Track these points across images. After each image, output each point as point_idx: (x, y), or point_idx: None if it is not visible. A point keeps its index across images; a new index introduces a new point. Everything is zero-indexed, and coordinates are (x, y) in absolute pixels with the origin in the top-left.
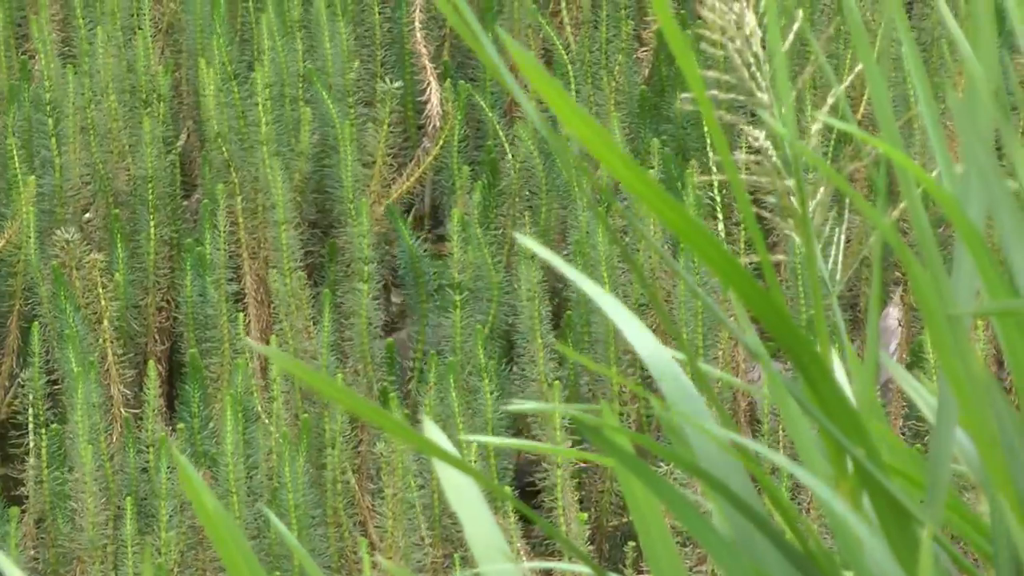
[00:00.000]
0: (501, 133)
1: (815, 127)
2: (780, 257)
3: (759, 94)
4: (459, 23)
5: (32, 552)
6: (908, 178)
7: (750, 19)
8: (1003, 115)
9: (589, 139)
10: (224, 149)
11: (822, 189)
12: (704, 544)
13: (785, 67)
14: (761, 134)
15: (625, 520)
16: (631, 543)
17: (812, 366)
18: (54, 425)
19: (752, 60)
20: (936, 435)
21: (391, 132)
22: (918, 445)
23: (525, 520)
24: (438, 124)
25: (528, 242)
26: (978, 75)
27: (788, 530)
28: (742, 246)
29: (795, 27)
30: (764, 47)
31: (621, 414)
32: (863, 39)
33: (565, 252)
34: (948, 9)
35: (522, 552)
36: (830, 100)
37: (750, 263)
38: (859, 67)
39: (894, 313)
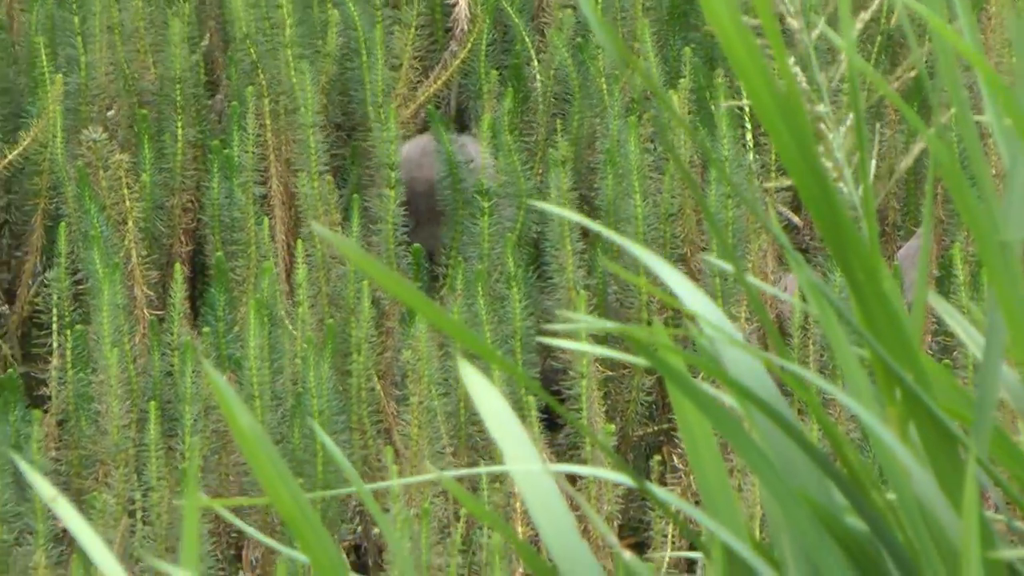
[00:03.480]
0: (528, 39)
1: (853, 34)
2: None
3: (790, 20)
4: None
5: (54, 454)
6: (957, 89)
7: None
8: None
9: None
10: (252, 50)
11: (851, 115)
12: (749, 462)
13: None
14: (791, 59)
15: (651, 430)
16: (656, 456)
17: (863, 275)
18: (78, 326)
19: None
20: (985, 363)
21: (418, 35)
22: (946, 360)
23: (551, 427)
24: (466, 28)
25: (546, 205)
26: None
27: (834, 451)
28: (773, 163)
29: None
30: None
31: (648, 323)
32: None
33: (595, 160)
34: None
35: (548, 459)
36: (861, 20)
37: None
38: None
39: (922, 230)
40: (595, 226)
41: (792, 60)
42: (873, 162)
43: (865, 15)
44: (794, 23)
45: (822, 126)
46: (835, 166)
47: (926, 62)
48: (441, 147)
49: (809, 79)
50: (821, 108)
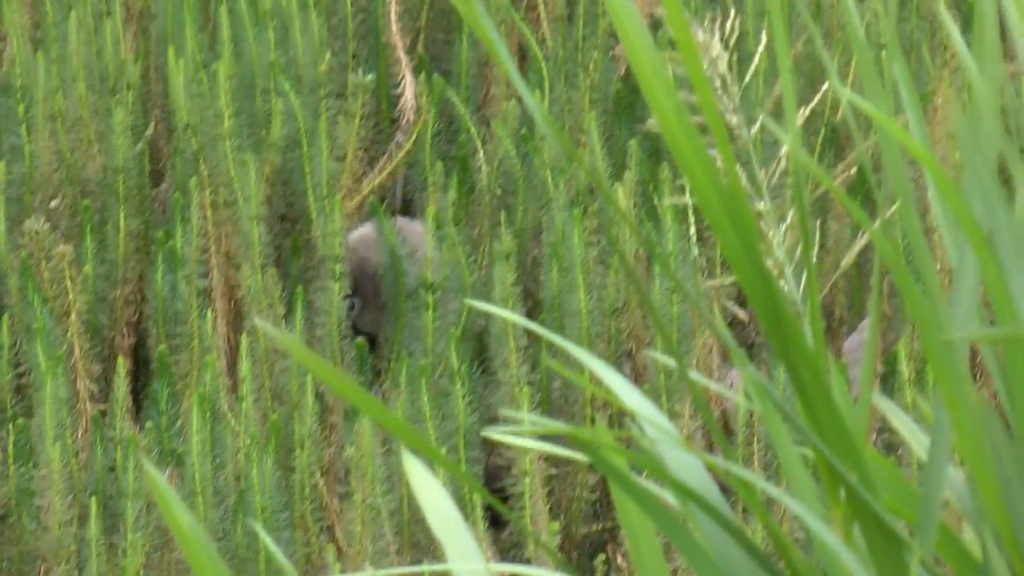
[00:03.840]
0: (474, 130)
1: (791, 132)
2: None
3: (728, 116)
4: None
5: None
6: (902, 183)
7: (715, 43)
8: (1007, 137)
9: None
10: (193, 141)
11: (791, 211)
12: (692, 563)
13: (791, 83)
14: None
15: (595, 528)
16: (601, 555)
17: (808, 375)
18: (20, 420)
19: (719, 82)
20: (931, 463)
21: (363, 125)
22: (893, 457)
23: (495, 523)
24: (412, 118)
25: (487, 306)
26: (983, 95)
27: (778, 552)
28: (719, 257)
29: (760, 47)
30: (731, 69)
31: (592, 419)
32: (862, 51)
33: (540, 253)
34: (950, 19)
35: (491, 557)
36: (804, 112)
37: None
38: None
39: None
40: (535, 326)
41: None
42: (814, 259)
43: (805, 110)
44: (732, 118)
45: (762, 223)
46: (776, 263)
47: (871, 154)
48: (384, 239)
49: (749, 175)
50: (761, 205)
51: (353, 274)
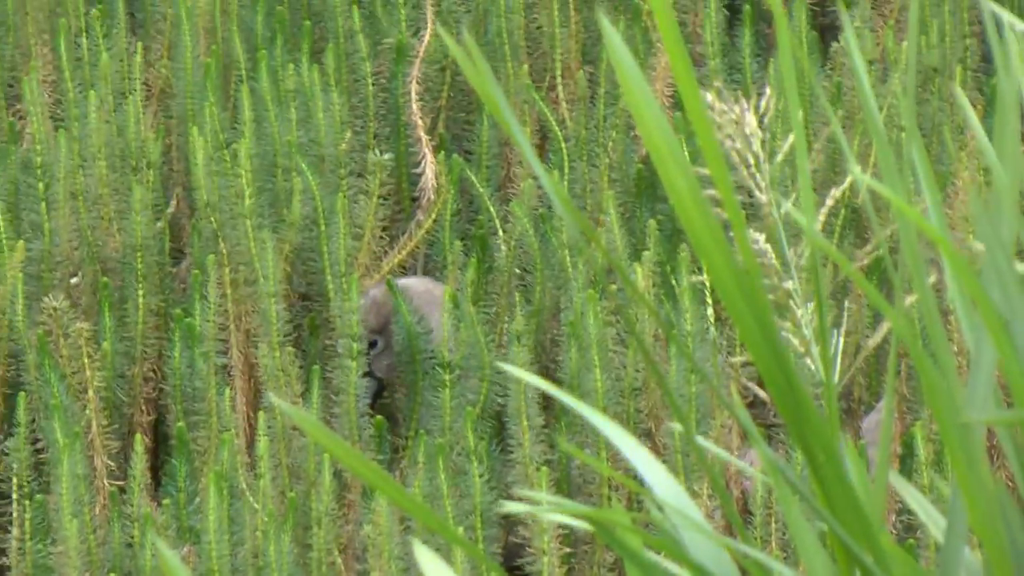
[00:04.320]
0: (493, 209)
1: (818, 221)
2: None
3: (759, 194)
4: (479, 82)
5: None
6: (919, 267)
7: (750, 119)
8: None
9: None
10: (213, 219)
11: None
12: None
13: (807, 165)
14: (760, 236)
15: None
16: None
17: (823, 456)
18: (38, 496)
19: (752, 160)
20: (947, 546)
21: (382, 204)
22: (911, 539)
23: None
24: (431, 197)
25: (513, 370)
26: (1002, 179)
27: None
28: (738, 341)
29: (791, 138)
30: (764, 148)
31: (608, 499)
32: (880, 137)
33: (558, 333)
34: (967, 102)
35: None
36: (831, 197)
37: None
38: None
39: (884, 408)
40: (558, 394)
41: (762, 235)
42: (840, 339)
43: (836, 192)
44: (762, 197)
45: (791, 302)
46: (802, 342)
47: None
48: (400, 319)
49: (778, 254)
50: (789, 284)
51: (379, 318)
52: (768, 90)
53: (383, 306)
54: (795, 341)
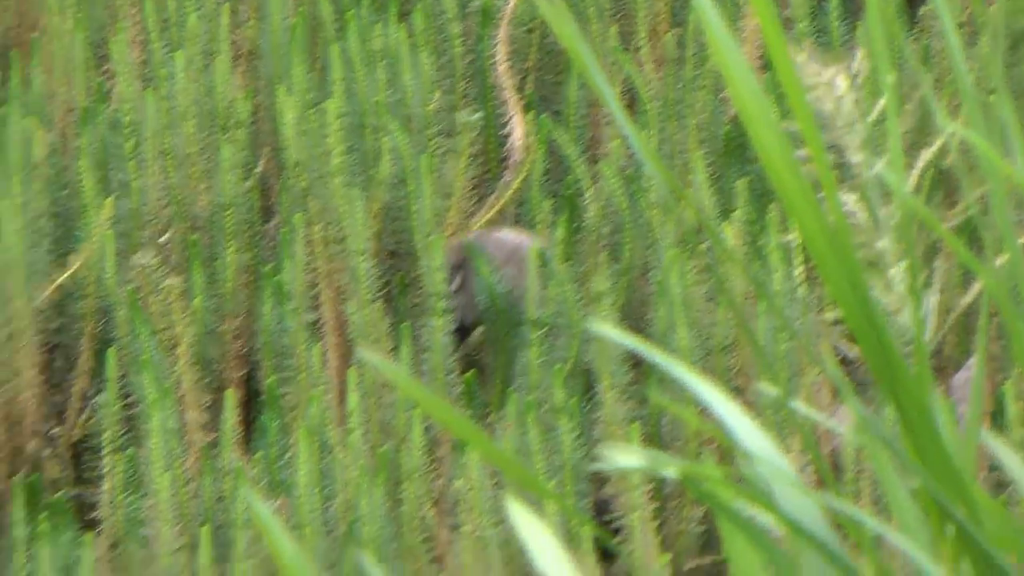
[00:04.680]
0: (582, 170)
1: (910, 182)
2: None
3: (850, 155)
4: (568, 41)
5: None
6: (1009, 224)
7: (842, 81)
8: None
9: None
10: (302, 178)
11: (913, 253)
12: None
13: (897, 125)
14: (854, 195)
15: (705, 561)
16: None
17: (915, 412)
18: (130, 450)
19: (844, 121)
20: None
21: (471, 164)
22: (1002, 496)
23: (606, 556)
24: (520, 157)
25: (603, 329)
26: None
27: None
28: (828, 298)
29: (883, 98)
30: (856, 109)
31: (698, 454)
32: (968, 95)
33: (647, 291)
34: None
35: None
36: (922, 159)
37: (835, 321)
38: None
39: (975, 363)
40: (644, 348)
41: (853, 196)
42: (935, 297)
43: (928, 153)
44: (855, 157)
45: (883, 261)
46: (894, 300)
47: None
48: (481, 280)
49: (872, 214)
50: (880, 245)
51: (459, 259)
52: (859, 52)
53: (462, 248)
54: (888, 299)
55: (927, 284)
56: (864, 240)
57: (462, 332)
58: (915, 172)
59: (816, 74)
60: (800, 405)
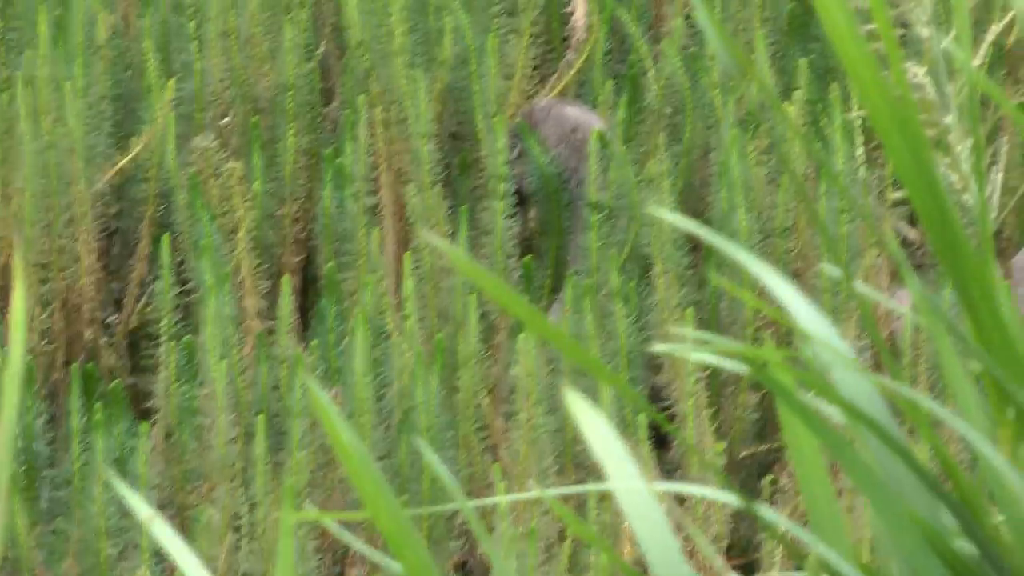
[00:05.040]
0: (644, 48)
1: (975, 60)
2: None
3: (922, 28)
4: None
5: (161, 468)
6: None
7: None
8: None
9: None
10: (365, 58)
11: (980, 128)
12: (858, 483)
13: (963, 2)
14: (921, 69)
15: (760, 448)
16: (768, 476)
17: (977, 292)
18: (186, 337)
19: None
20: None
21: (533, 43)
22: None
23: (660, 444)
24: (582, 36)
25: (663, 213)
26: None
27: (944, 473)
28: (889, 176)
29: None
30: None
31: (756, 339)
32: None
33: (708, 173)
34: None
35: (655, 478)
36: (990, 32)
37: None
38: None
39: None
40: (702, 232)
41: (923, 70)
42: (1000, 175)
43: (996, 27)
44: (924, 31)
45: (950, 138)
46: (960, 178)
47: None
48: (533, 162)
49: (938, 90)
50: (948, 119)
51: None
52: None
53: (533, 116)
54: (953, 177)
55: (992, 162)
56: (931, 116)
57: (521, 199)
58: (982, 48)
59: None
60: (861, 285)
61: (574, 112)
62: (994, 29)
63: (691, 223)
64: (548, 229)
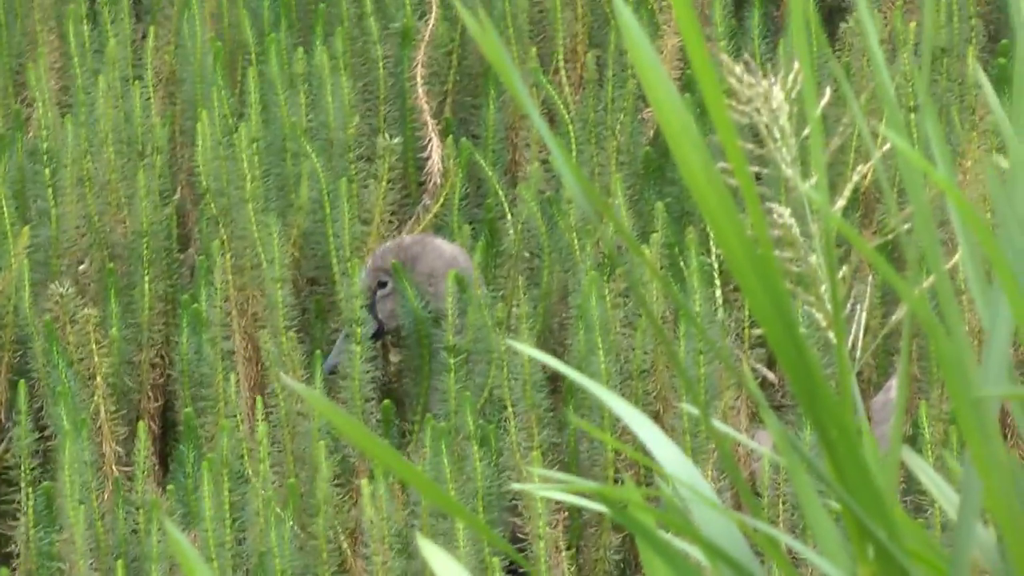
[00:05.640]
0: (502, 193)
1: (840, 201)
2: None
3: (785, 168)
4: (492, 54)
5: None
6: (934, 251)
7: (778, 93)
8: None
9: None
10: (213, 205)
11: (846, 267)
12: None
13: (821, 142)
14: (786, 211)
15: None
16: None
17: (837, 433)
18: (45, 483)
19: (779, 134)
20: (960, 521)
21: (391, 188)
22: (920, 520)
23: None
24: (439, 181)
25: (520, 347)
26: (1018, 155)
27: None
28: (746, 318)
29: (822, 102)
30: (791, 122)
31: (616, 480)
32: (892, 109)
33: (567, 316)
34: (986, 79)
35: None
36: (855, 177)
37: (758, 336)
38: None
39: (895, 384)
40: (565, 369)
41: (787, 210)
42: (864, 315)
43: (864, 168)
44: (788, 172)
45: (814, 277)
46: (826, 315)
47: (904, 219)
48: (406, 303)
49: (803, 230)
50: (813, 259)
51: (399, 260)
52: (797, 64)
53: (405, 250)
54: (818, 315)
55: (856, 302)
56: (796, 255)
57: (380, 332)
58: (846, 191)
59: (752, 85)
60: (720, 423)
61: (447, 246)
62: (860, 170)
63: (551, 359)
64: (415, 372)
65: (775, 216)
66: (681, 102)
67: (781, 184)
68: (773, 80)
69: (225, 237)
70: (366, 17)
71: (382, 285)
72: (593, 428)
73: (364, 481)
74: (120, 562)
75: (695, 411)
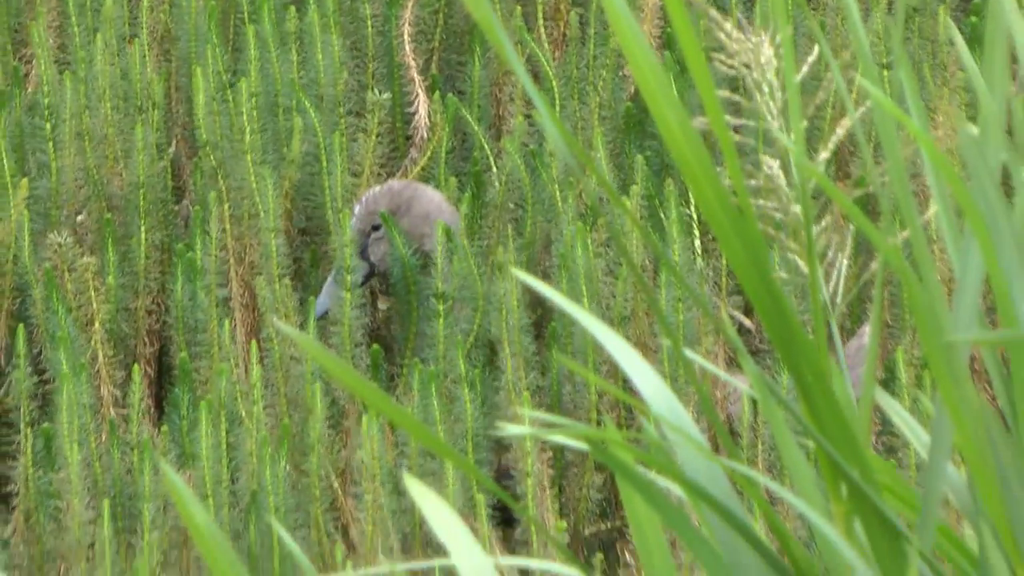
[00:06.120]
0: (487, 146)
1: (823, 154)
2: (783, 275)
3: (771, 120)
4: (478, 10)
5: (22, 549)
6: (907, 201)
7: (767, 49)
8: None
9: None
10: (212, 157)
11: (827, 216)
12: (698, 557)
13: (798, 97)
14: (775, 162)
15: (603, 527)
16: (606, 553)
17: (811, 376)
18: (44, 425)
19: (767, 88)
20: (931, 460)
21: (379, 143)
22: (892, 460)
23: (507, 523)
24: (426, 136)
25: (520, 274)
26: (990, 110)
27: (782, 548)
28: (724, 266)
29: (810, 59)
30: (778, 77)
31: (598, 423)
32: (866, 63)
33: (549, 265)
34: (960, 36)
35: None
36: (839, 131)
37: (736, 284)
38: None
39: (870, 330)
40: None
41: (775, 162)
42: (846, 263)
43: (847, 122)
44: (773, 124)
45: (797, 225)
46: (806, 264)
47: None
48: (395, 251)
49: (789, 181)
50: (796, 208)
51: (392, 206)
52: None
53: (398, 195)
54: (801, 263)
55: (839, 250)
56: (782, 205)
57: (371, 274)
58: (830, 145)
59: (742, 41)
60: (699, 361)
61: (435, 193)
62: (842, 123)
63: (539, 283)
64: (403, 318)
65: (765, 167)
66: (656, 59)
67: (761, 136)
68: (763, 37)
69: (223, 188)
70: None
71: (376, 228)
72: (575, 364)
73: (364, 421)
74: (108, 501)
75: (672, 347)
